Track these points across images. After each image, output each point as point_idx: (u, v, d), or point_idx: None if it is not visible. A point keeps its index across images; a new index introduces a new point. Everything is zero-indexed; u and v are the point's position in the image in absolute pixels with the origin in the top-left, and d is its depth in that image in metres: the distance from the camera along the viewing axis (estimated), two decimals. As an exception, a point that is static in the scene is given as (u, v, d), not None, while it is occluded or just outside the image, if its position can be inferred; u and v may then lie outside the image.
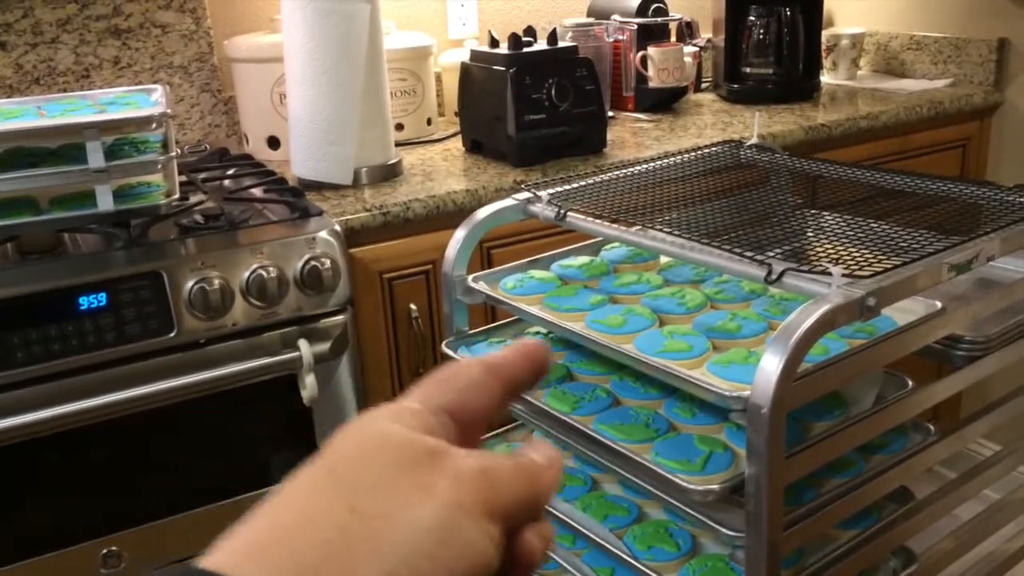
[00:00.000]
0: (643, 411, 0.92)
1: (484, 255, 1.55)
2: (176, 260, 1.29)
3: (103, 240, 1.37)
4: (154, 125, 1.30)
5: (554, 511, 0.97)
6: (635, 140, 1.87)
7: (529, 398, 0.98)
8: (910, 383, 0.93)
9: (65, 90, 1.81)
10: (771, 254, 0.84)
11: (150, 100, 1.40)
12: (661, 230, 0.94)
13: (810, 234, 1.00)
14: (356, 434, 0.32)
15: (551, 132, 1.69)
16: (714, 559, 0.91)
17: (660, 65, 2.05)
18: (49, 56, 1.79)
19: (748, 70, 2.20)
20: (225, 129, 1.98)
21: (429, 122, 1.96)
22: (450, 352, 1.10)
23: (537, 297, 1.06)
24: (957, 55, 2.22)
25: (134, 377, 1.26)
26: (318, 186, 1.59)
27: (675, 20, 2.17)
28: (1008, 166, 2.18)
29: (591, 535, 0.93)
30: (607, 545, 0.91)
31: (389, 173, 1.65)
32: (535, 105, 1.67)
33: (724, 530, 0.81)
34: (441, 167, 1.72)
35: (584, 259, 1.16)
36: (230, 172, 1.71)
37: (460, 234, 1.10)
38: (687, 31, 2.24)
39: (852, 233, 0.94)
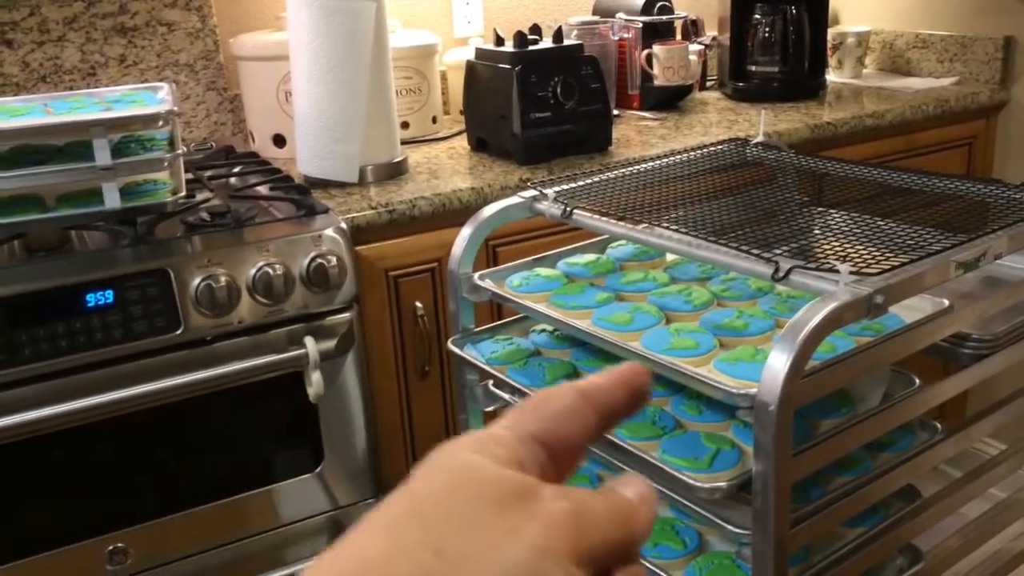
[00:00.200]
0: (650, 408, 0.92)
1: (490, 253, 1.55)
2: (183, 257, 1.29)
3: (110, 237, 1.37)
4: (160, 123, 1.30)
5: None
6: (640, 138, 1.87)
7: (535, 395, 0.98)
8: (917, 381, 0.93)
9: (71, 88, 1.81)
10: (778, 252, 0.84)
11: (156, 98, 1.40)
12: (667, 228, 0.94)
13: (817, 232, 1.00)
14: (441, 467, 0.31)
15: (556, 130, 1.69)
16: (720, 556, 0.91)
17: (665, 63, 2.05)
18: (55, 54, 1.79)
19: (753, 68, 2.19)
20: (231, 127, 1.99)
21: (434, 120, 1.96)
22: (456, 350, 1.11)
23: (543, 295, 1.06)
24: (963, 53, 2.22)
25: (141, 374, 1.27)
26: (324, 184, 1.59)
27: (680, 18, 2.17)
28: (1014, 164, 2.17)
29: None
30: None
31: (395, 171, 1.65)
32: (540, 103, 1.67)
33: (731, 527, 0.81)
34: (447, 165, 1.72)
35: (590, 257, 1.16)
36: (236, 170, 1.71)
37: (466, 232, 1.11)
38: (692, 29, 2.24)
39: (859, 231, 0.94)
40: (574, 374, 1.03)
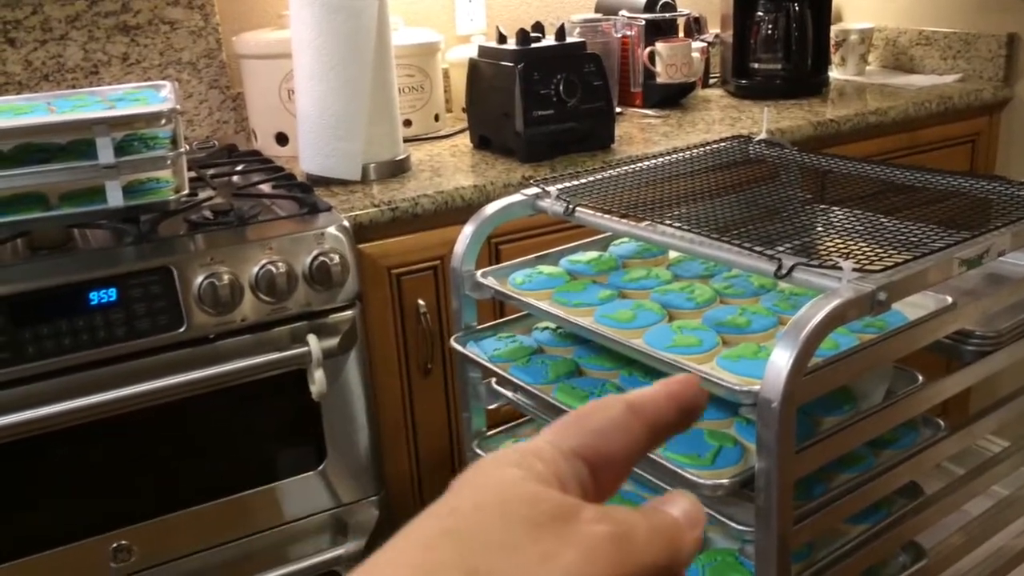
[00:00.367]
0: (652, 406, 0.92)
1: (492, 251, 1.55)
2: (185, 255, 1.29)
3: (113, 236, 1.37)
4: (163, 121, 1.30)
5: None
6: (643, 136, 1.87)
7: (538, 393, 0.98)
8: (920, 378, 0.93)
9: (74, 86, 1.81)
10: (781, 249, 0.84)
11: (159, 96, 1.40)
12: (670, 225, 0.94)
13: (820, 229, 1.00)
14: (478, 483, 0.29)
15: (559, 128, 1.69)
16: (723, 553, 0.91)
17: (668, 61, 2.05)
18: (58, 52, 1.79)
19: (756, 66, 2.19)
20: (233, 125, 1.99)
21: (437, 118, 1.96)
22: (458, 347, 1.11)
23: (546, 292, 1.06)
24: (966, 50, 2.21)
25: (144, 372, 1.27)
26: (326, 182, 1.59)
27: (683, 16, 2.16)
28: (1018, 161, 2.17)
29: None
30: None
31: (397, 169, 1.65)
32: (543, 101, 1.67)
33: (734, 524, 0.81)
34: (449, 163, 1.72)
35: (593, 254, 1.16)
36: (239, 168, 1.71)
37: (468, 230, 1.11)
38: (695, 27, 2.23)
39: (862, 228, 0.94)
40: (576, 371, 1.03)
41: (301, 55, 1.57)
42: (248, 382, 1.34)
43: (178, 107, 1.31)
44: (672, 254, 1.15)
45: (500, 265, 1.16)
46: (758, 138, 1.26)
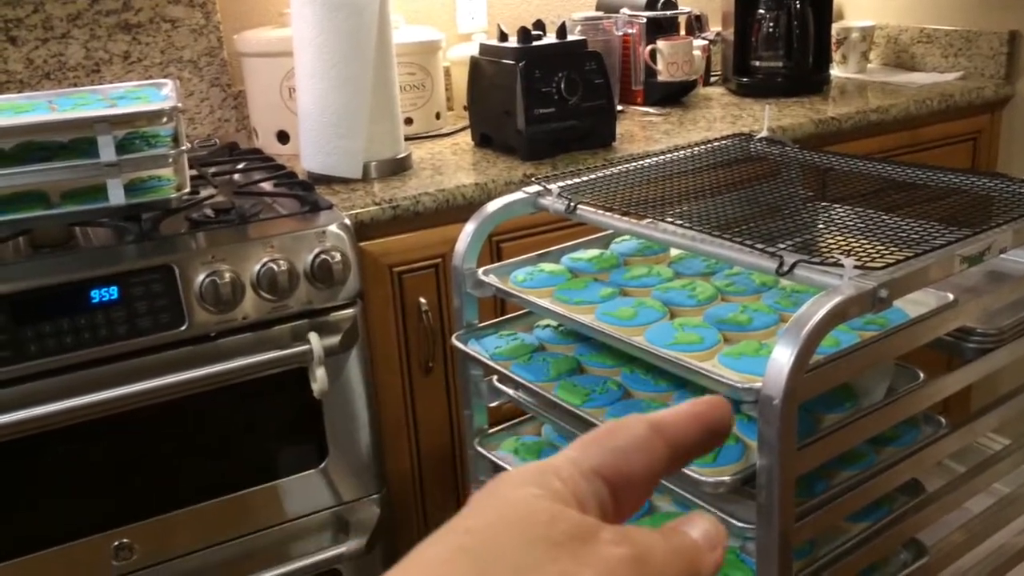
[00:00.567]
0: (654, 404, 0.92)
1: (494, 249, 1.55)
2: (187, 254, 1.29)
3: (114, 234, 1.37)
4: (165, 119, 1.30)
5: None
6: (644, 134, 1.87)
7: (539, 390, 0.98)
8: (921, 375, 0.93)
9: (75, 85, 1.81)
10: (782, 246, 0.84)
11: (160, 94, 1.40)
12: (672, 223, 0.94)
13: (821, 226, 1.00)
14: (496, 502, 0.29)
15: (560, 126, 1.69)
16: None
17: (669, 59, 2.05)
18: (60, 51, 1.79)
19: (758, 63, 2.19)
20: (235, 123, 1.99)
21: (438, 116, 1.96)
22: (460, 345, 1.11)
23: (547, 290, 1.06)
24: (968, 48, 2.21)
25: (145, 370, 1.27)
26: (327, 180, 1.59)
27: (684, 13, 2.16)
28: (1019, 159, 2.17)
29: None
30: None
31: (398, 167, 1.65)
32: (544, 99, 1.67)
33: (735, 522, 0.81)
34: (450, 161, 1.72)
35: (594, 252, 1.16)
36: (240, 166, 1.72)
37: (470, 227, 1.11)
38: (696, 24, 2.23)
39: (863, 225, 0.94)
40: (578, 369, 1.03)
41: (302, 53, 1.57)
42: (249, 380, 1.34)
43: (179, 105, 1.31)
44: (673, 252, 1.15)
45: (501, 263, 1.16)
46: (759, 136, 1.26)
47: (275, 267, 1.31)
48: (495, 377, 1.14)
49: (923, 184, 1.04)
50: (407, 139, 1.75)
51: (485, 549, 0.27)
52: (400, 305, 1.51)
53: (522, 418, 1.21)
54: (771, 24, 2.15)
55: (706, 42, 2.21)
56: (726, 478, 0.79)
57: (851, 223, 0.97)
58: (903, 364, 0.94)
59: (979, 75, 2.19)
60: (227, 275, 1.28)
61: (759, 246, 0.84)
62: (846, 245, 0.86)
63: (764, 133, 1.26)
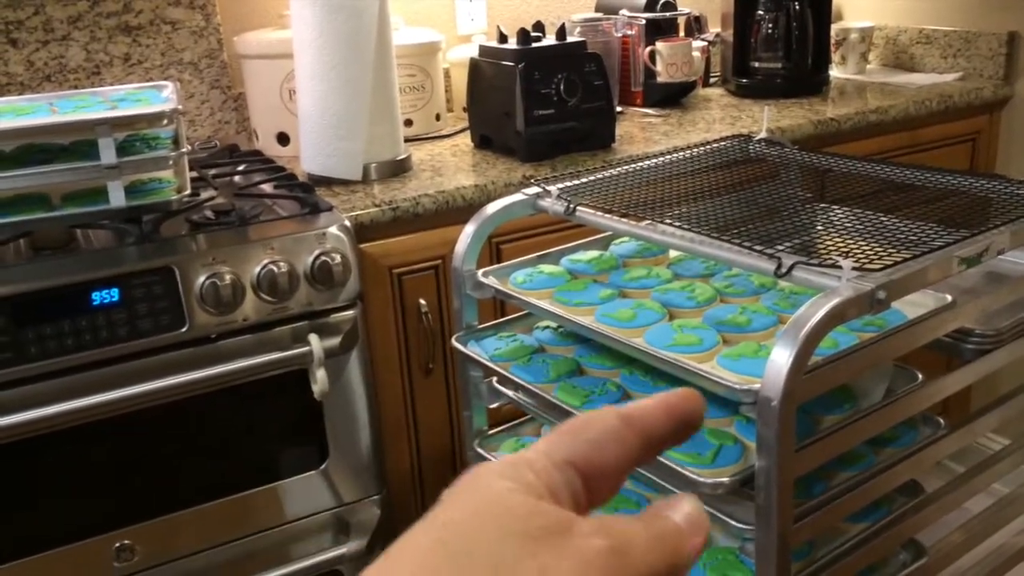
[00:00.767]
0: (653, 405, 0.92)
1: (493, 250, 1.55)
2: (187, 255, 1.29)
3: (115, 236, 1.37)
4: (165, 121, 1.31)
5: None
6: (644, 135, 1.87)
7: (539, 392, 0.99)
8: (920, 376, 0.93)
9: (76, 87, 1.81)
10: (781, 248, 0.85)
11: (161, 96, 1.40)
12: (671, 224, 0.95)
13: (819, 228, 1.00)
14: (471, 496, 0.29)
15: (560, 127, 1.69)
16: (724, 552, 0.91)
17: (669, 60, 2.05)
18: (60, 53, 1.79)
19: (757, 64, 2.19)
20: (235, 125, 1.99)
21: (438, 118, 1.96)
22: (459, 346, 1.11)
23: (547, 291, 1.06)
24: (967, 49, 2.21)
25: (146, 372, 1.27)
26: (327, 182, 1.60)
27: (684, 15, 2.17)
28: (1018, 160, 2.17)
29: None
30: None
31: (398, 168, 1.65)
32: (544, 100, 1.67)
33: (734, 523, 0.81)
34: (450, 162, 1.72)
35: (593, 253, 1.17)
36: (240, 168, 1.72)
37: (470, 229, 1.11)
38: (696, 26, 2.23)
39: (862, 227, 0.94)
40: (577, 370, 1.03)
41: (302, 55, 1.57)
42: (250, 382, 1.34)
43: (180, 107, 1.31)
44: (672, 253, 1.15)
45: (501, 264, 1.17)
46: (758, 137, 1.27)
47: (275, 269, 1.31)
48: (495, 378, 1.14)
49: (921, 185, 1.05)
50: (407, 141, 1.75)
51: (463, 543, 0.27)
52: (400, 306, 1.51)
53: (522, 419, 1.21)
54: (770, 25, 2.15)
55: (705, 43, 2.21)
56: (725, 479, 0.80)
57: (850, 224, 0.97)
58: (902, 365, 0.95)
59: (978, 76, 2.19)
60: (227, 277, 1.29)
61: (758, 248, 0.84)
62: (844, 247, 0.86)
63: (763, 134, 1.27)
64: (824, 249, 0.87)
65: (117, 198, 1.27)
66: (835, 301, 0.74)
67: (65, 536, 1.30)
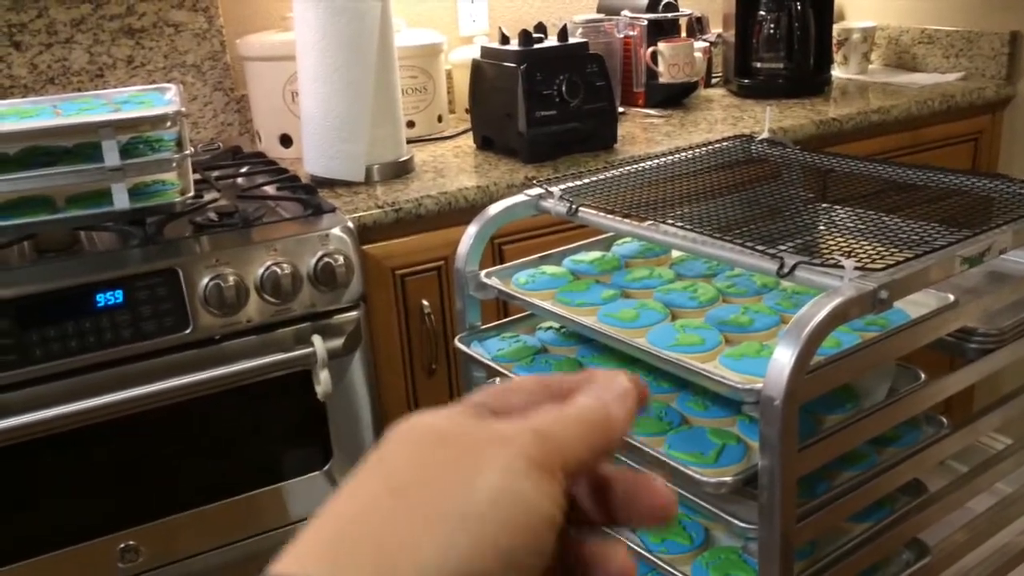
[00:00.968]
0: (656, 404, 0.92)
1: (496, 251, 1.55)
2: (191, 257, 1.30)
3: (119, 238, 1.38)
4: (168, 123, 1.31)
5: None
6: (646, 136, 1.87)
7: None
8: (923, 376, 0.93)
9: (79, 90, 1.82)
10: (783, 248, 0.85)
11: (164, 99, 1.41)
12: (673, 225, 0.95)
13: (822, 228, 1.00)
14: (401, 427, 0.33)
15: (562, 128, 1.70)
16: (727, 551, 0.91)
17: (670, 60, 2.05)
18: (63, 56, 1.80)
19: (759, 65, 2.19)
20: (238, 127, 2.00)
21: (440, 119, 1.96)
22: (462, 347, 1.11)
23: (549, 292, 1.06)
24: (969, 48, 2.21)
25: (150, 373, 1.28)
26: (330, 183, 1.60)
27: (685, 15, 2.17)
28: (1020, 159, 2.17)
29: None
30: (619, 537, 0.92)
31: (401, 170, 1.66)
32: (546, 101, 1.67)
33: (737, 522, 0.81)
34: (452, 164, 1.72)
35: (596, 254, 1.17)
36: (243, 170, 1.72)
37: (472, 230, 1.11)
38: (697, 26, 2.24)
39: (864, 226, 0.94)
40: (580, 370, 1.03)
41: (305, 57, 1.58)
42: (254, 383, 1.35)
43: (183, 109, 1.32)
44: (675, 253, 1.15)
45: (504, 265, 1.17)
46: (760, 137, 1.27)
47: (278, 270, 1.32)
48: (498, 379, 1.14)
49: (924, 185, 1.05)
50: (409, 142, 1.76)
51: (392, 459, 0.31)
52: (403, 307, 1.52)
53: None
54: (772, 25, 2.16)
55: (707, 44, 2.21)
56: (728, 479, 0.80)
57: (852, 224, 0.97)
58: (904, 365, 0.95)
59: (980, 76, 2.19)
60: (231, 278, 1.29)
61: (760, 248, 0.84)
62: (847, 246, 0.87)
63: (765, 134, 1.27)
64: (826, 249, 0.87)
65: (121, 200, 1.27)
66: (837, 301, 0.74)
67: (70, 537, 1.30)
